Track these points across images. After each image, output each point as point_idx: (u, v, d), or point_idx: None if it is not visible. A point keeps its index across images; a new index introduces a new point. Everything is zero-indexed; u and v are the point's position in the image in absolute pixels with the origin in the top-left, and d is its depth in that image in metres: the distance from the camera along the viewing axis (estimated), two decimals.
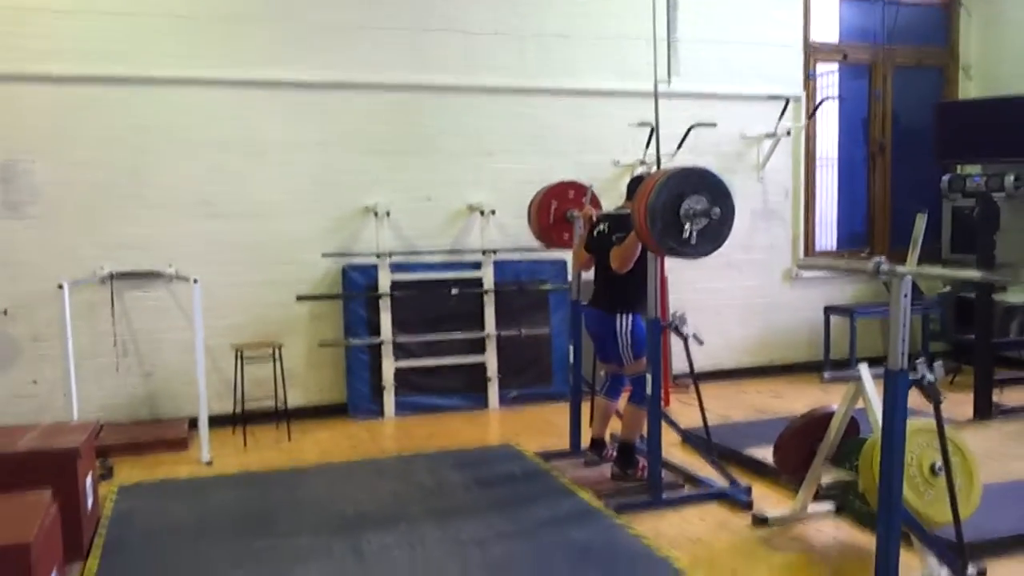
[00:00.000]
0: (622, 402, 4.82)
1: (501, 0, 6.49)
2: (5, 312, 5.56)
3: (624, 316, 4.52)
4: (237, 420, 5.74)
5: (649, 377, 4.31)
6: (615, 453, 4.75)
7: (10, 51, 5.49)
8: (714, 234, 3.74)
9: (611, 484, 4.55)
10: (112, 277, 5.73)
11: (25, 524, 2.88)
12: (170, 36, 5.79)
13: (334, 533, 3.93)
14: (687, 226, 3.66)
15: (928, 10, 7.92)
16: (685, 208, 3.66)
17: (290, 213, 6.11)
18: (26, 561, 2.74)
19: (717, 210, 3.68)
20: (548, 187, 5.27)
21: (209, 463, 5.14)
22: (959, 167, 7.22)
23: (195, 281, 5.17)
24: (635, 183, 4.57)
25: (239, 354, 5.71)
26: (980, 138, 6.48)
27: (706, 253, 3.79)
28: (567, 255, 5.82)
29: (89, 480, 3.96)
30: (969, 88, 7.92)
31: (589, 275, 4.88)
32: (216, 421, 5.54)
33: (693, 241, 3.70)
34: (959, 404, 5.79)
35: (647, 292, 4.47)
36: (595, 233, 4.76)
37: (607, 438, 4.91)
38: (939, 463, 3.35)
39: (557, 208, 5.21)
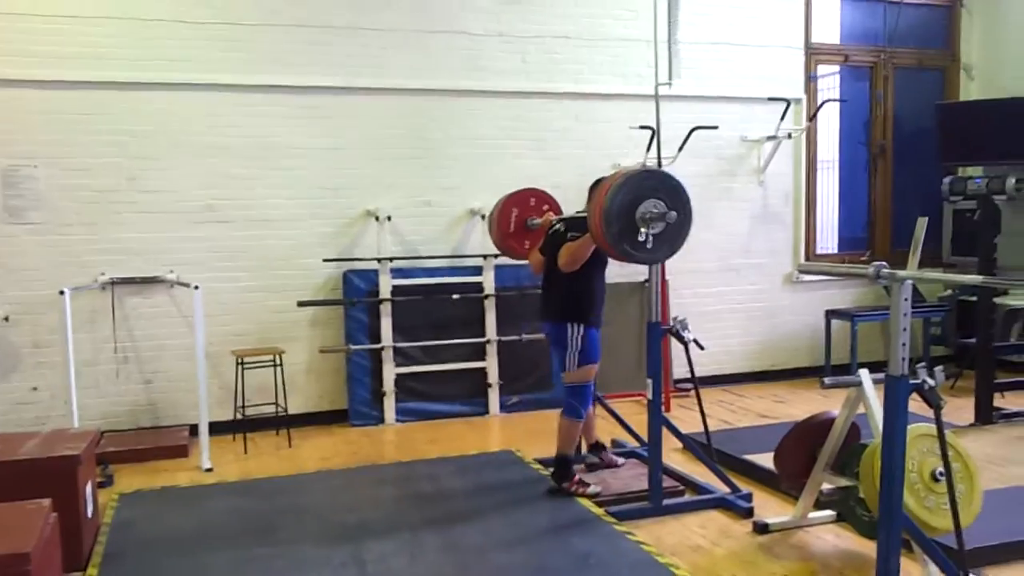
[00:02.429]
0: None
1: (504, 3, 6.49)
2: (7, 318, 5.55)
3: (575, 325, 4.34)
4: (238, 427, 5.74)
5: (650, 382, 4.30)
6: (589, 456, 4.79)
7: (13, 56, 5.49)
8: (671, 238, 3.68)
9: (613, 491, 4.51)
10: (113, 283, 5.74)
11: (25, 533, 2.87)
12: (172, 41, 5.79)
13: (334, 541, 3.92)
14: (643, 230, 3.59)
15: (929, 11, 7.92)
16: (641, 212, 3.59)
17: (291, 218, 6.11)
18: (25, 570, 2.73)
19: (674, 214, 3.61)
20: (509, 195, 5.06)
21: (209, 470, 5.14)
22: (960, 169, 7.21)
23: (196, 287, 5.17)
24: (597, 185, 4.45)
25: (240, 361, 5.70)
26: (982, 140, 6.48)
27: (662, 259, 3.73)
28: None
29: (89, 488, 3.96)
30: (971, 89, 7.91)
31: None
32: (216, 428, 5.54)
33: (649, 245, 3.63)
34: (960, 409, 5.77)
35: (596, 302, 4.38)
36: (550, 232, 4.65)
37: (607, 442, 4.90)
38: (940, 469, 3.33)
39: (518, 216, 5.01)
